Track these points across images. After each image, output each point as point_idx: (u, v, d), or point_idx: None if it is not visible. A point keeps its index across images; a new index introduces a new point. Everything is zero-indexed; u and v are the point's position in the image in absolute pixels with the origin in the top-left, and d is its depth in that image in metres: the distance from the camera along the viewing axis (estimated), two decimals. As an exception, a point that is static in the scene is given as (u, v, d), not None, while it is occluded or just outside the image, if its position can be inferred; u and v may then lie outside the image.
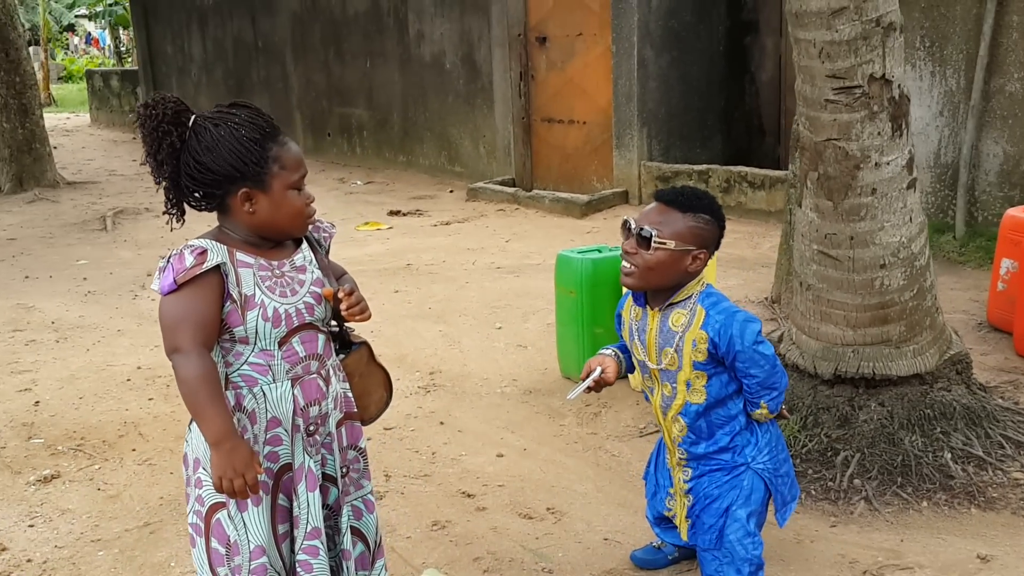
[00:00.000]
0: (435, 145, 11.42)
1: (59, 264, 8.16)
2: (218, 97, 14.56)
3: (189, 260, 2.28)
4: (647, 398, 2.89)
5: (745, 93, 10.00)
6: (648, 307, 2.74)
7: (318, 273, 2.50)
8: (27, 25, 32.90)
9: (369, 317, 2.48)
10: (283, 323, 2.36)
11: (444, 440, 4.33)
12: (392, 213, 9.46)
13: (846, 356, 3.76)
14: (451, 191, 10.55)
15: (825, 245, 3.71)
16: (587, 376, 2.77)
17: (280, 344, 2.37)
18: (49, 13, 29.76)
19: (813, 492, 3.61)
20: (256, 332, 2.33)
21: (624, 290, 2.84)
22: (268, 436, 2.40)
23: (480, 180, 10.43)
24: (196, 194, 2.37)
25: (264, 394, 2.37)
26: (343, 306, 2.41)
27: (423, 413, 4.62)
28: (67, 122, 18.85)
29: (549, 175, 10.38)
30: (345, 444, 2.57)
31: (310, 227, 2.58)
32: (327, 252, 2.62)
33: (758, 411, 2.71)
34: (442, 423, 4.51)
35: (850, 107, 3.48)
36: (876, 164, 3.54)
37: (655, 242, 2.58)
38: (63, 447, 4.36)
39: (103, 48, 38.50)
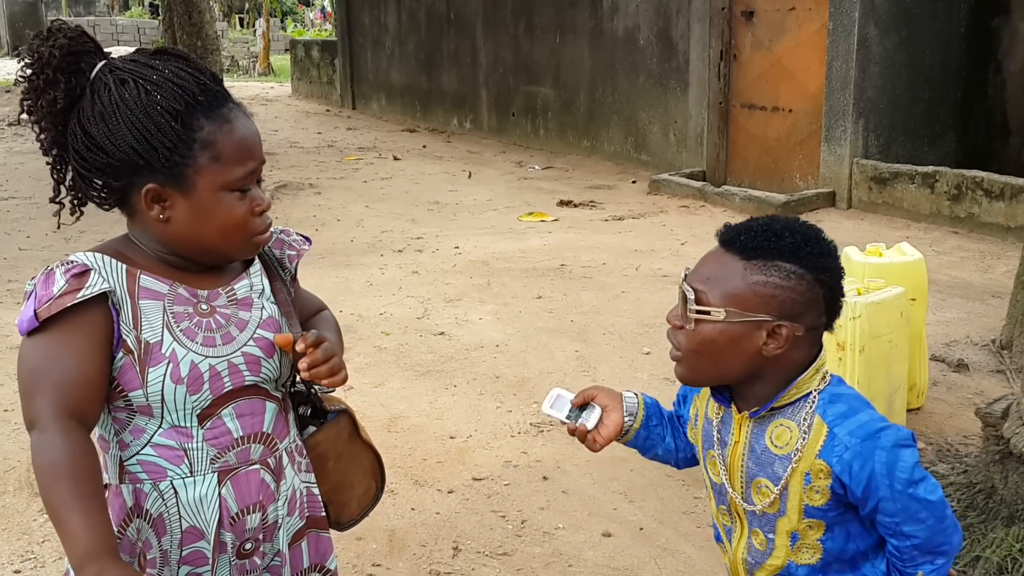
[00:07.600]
0: (621, 130, 10.39)
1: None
2: (408, 72, 14.08)
3: (59, 284, 1.46)
4: (717, 537, 1.75)
5: (988, 84, 8.44)
6: (733, 407, 1.63)
7: (273, 310, 1.63)
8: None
9: (342, 382, 1.59)
10: (206, 386, 1.52)
11: (541, 504, 3.40)
12: (563, 203, 8.53)
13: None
14: (633, 181, 9.51)
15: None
16: (582, 404, 1.73)
17: (202, 419, 1.54)
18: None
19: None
20: (163, 400, 1.50)
21: None
22: (185, 553, 1.57)
23: (667, 171, 9.32)
24: (91, 180, 1.54)
25: (176, 492, 1.54)
26: (302, 364, 1.54)
27: (526, 462, 3.70)
28: (270, 91, 18.94)
29: (745, 169, 9.15)
30: (305, 566, 1.72)
31: (272, 241, 1.71)
32: (294, 277, 1.74)
33: None
34: (545, 478, 3.57)
35: None
36: None
37: (692, 310, 1.53)
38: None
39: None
